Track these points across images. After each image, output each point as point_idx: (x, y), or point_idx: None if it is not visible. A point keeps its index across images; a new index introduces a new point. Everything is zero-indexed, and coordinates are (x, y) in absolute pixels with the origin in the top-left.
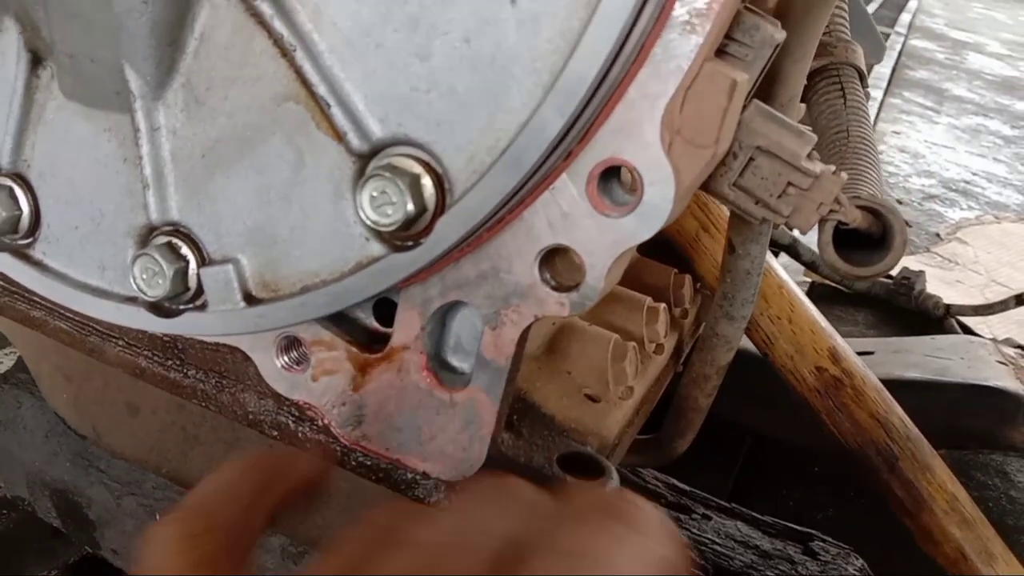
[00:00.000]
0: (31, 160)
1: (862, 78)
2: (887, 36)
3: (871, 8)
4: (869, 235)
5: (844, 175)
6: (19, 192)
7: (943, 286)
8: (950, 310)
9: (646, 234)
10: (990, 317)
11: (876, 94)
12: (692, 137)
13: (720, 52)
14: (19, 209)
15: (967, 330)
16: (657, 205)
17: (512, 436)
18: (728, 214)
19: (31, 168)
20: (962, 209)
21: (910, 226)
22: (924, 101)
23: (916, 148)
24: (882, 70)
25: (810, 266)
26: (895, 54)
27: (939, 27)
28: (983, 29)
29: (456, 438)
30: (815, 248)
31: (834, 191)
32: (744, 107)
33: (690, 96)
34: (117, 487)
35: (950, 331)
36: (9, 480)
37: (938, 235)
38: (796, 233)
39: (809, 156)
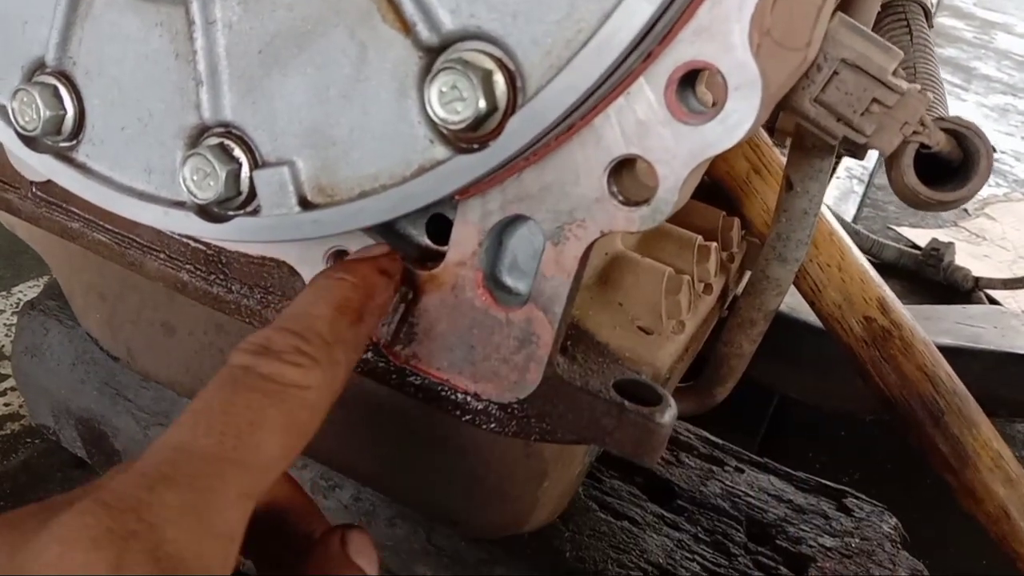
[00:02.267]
0: (77, 57)
1: (927, 15)
2: None
3: None
4: (944, 164)
5: (930, 94)
6: (63, 91)
7: (971, 260)
8: (979, 283)
9: (727, 143)
10: (1018, 291)
11: None
12: (782, 38)
13: None
14: (63, 109)
15: (995, 303)
16: (741, 112)
17: (567, 360)
18: (781, 158)
19: (77, 66)
20: (990, 186)
21: (995, 151)
22: (952, 79)
23: None
24: None
25: None
26: None
27: (967, 6)
28: (1012, 9)
29: (510, 358)
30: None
31: (920, 110)
32: (830, 18)
33: None
34: (145, 417)
35: (978, 303)
36: (34, 408)
37: (966, 210)
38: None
39: (895, 73)
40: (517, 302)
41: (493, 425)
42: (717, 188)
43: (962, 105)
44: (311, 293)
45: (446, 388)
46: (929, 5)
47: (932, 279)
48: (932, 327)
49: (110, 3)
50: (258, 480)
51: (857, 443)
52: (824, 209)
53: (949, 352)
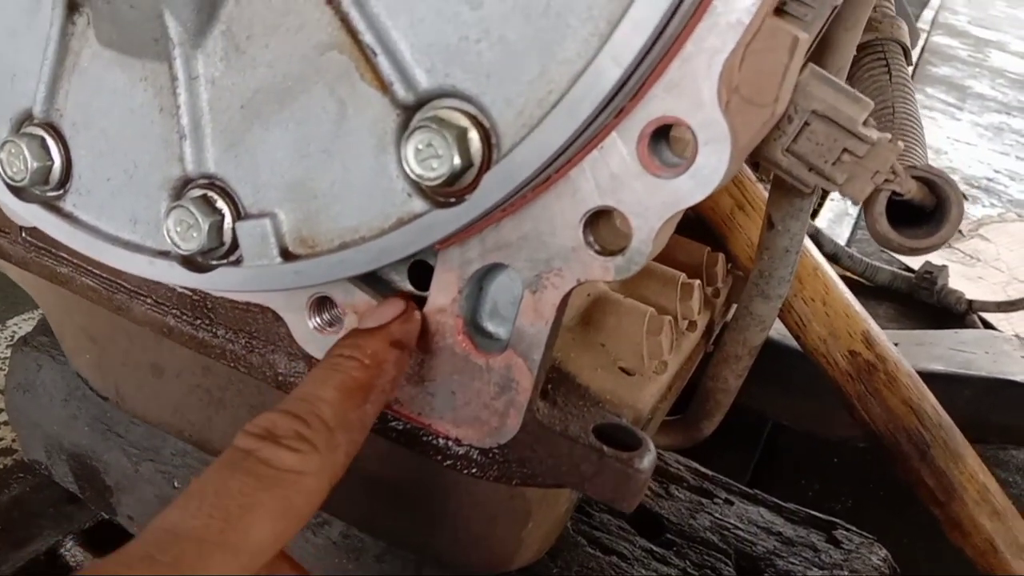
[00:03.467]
0: (64, 109)
1: (906, 54)
2: None
3: None
4: (918, 209)
5: (901, 144)
6: (51, 142)
7: (965, 282)
8: (972, 306)
9: (699, 195)
10: (1012, 314)
11: None
12: (751, 95)
13: (779, 10)
14: (50, 159)
15: (989, 326)
16: (711, 166)
17: (547, 405)
18: (764, 193)
19: (64, 118)
20: (984, 206)
21: (967, 199)
22: (946, 98)
23: (938, 144)
24: None
25: (832, 258)
26: (917, 51)
27: (962, 24)
28: (1007, 27)
29: (491, 404)
30: (836, 239)
31: (890, 159)
32: (800, 69)
33: (750, 52)
34: (136, 453)
35: (972, 327)
36: (27, 444)
37: (960, 231)
38: (818, 223)
39: (865, 123)
40: (497, 348)
41: (474, 470)
42: (702, 223)
43: (956, 124)
44: (319, 373)
45: (428, 433)
46: (908, 44)
47: (926, 302)
48: (924, 353)
49: (96, 57)
50: (245, 564)
51: (850, 470)
52: (808, 244)
53: (940, 378)
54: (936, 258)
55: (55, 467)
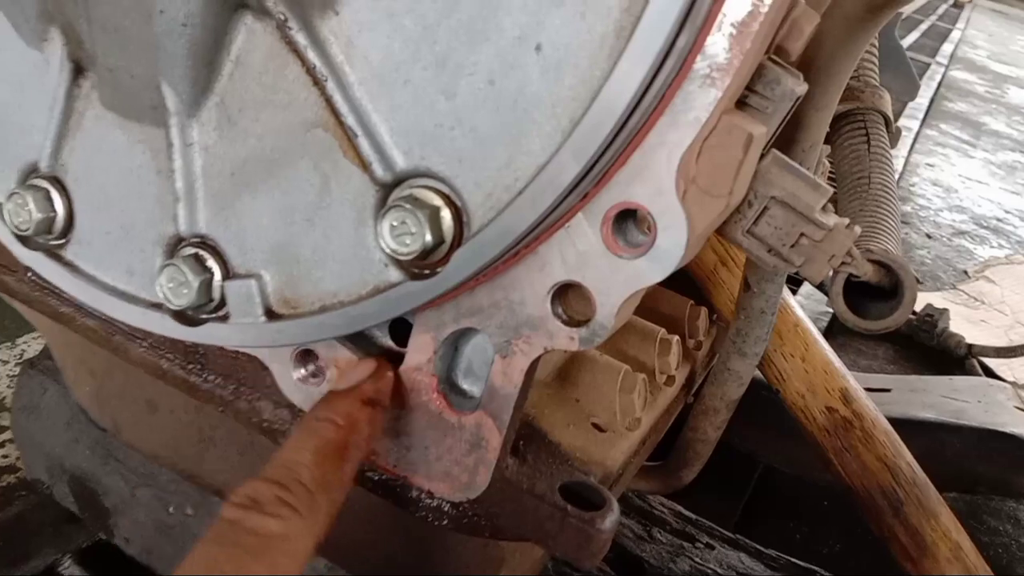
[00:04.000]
0: (68, 165)
1: (888, 124)
2: (927, 66)
3: (913, 36)
4: (881, 288)
5: (858, 229)
6: (55, 195)
7: (967, 324)
8: (972, 350)
9: (658, 276)
10: (1012, 360)
11: (912, 125)
12: (707, 186)
13: (740, 103)
14: (54, 211)
15: (988, 371)
16: (669, 250)
17: (517, 462)
18: None
19: (67, 173)
20: (992, 247)
21: (921, 283)
22: (961, 134)
23: (949, 182)
24: (920, 101)
25: None
26: (934, 85)
27: (981, 59)
28: None
29: (462, 460)
30: None
31: (847, 244)
32: (762, 156)
33: (707, 147)
34: (133, 478)
35: (971, 371)
36: (30, 463)
37: (966, 272)
38: None
39: (824, 208)
40: (471, 406)
41: (446, 522)
42: (686, 277)
43: (969, 162)
44: (296, 438)
45: (402, 485)
46: (889, 114)
47: (926, 344)
48: (916, 400)
49: (98, 118)
50: None
51: (840, 514)
52: (790, 300)
53: (930, 427)
54: (939, 300)
55: (56, 487)
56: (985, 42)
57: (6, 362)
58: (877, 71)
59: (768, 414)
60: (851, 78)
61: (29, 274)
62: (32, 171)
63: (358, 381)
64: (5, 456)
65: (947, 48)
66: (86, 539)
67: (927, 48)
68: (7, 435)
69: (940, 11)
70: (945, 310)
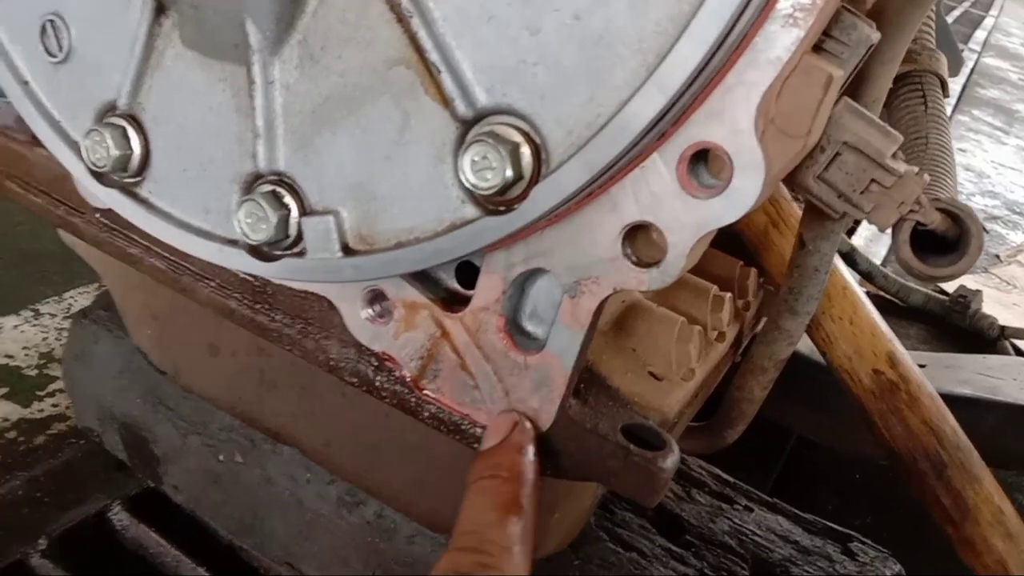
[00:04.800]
0: (146, 103)
1: (943, 86)
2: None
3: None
4: (943, 239)
5: (927, 176)
6: (132, 133)
7: (999, 308)
8: (1004, 332)
9: (731, 217)
10: None
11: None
12: (785, 127)
13: (817, 48)
14: (130, 149)
15: (1020, 353)
16: (745, 190)
17: (579, 403)
18: (798, 212)
19: (145, 111)
20: None
21: (987, 232)
22: (993, 121)
23: (981, 167)
24: (953, 87)
25: (866, 276)
26: (967, 71)
27: (1014, 47)
28: None
29: (526, 399)
30: (872, 258)
31: (916, 191)
32: (834, 103)
33: (787, 87)
34: (184, 426)
35: (1003, 353)
36: (81, 411)
37: (998, 257)
38: (854, 241)
39: (894, 156)
40: (535, 347)
41: None
42: (737, 238)
43: (1001, 149)
44: (473, 502)
45: (467, 422)
46: (946, 77)
47: (958, 325)
48: (951, 376)
49: (179, 57)
50: None
51: (870, 488)
52: (840, 264)
53: (965, 402)
54: (971, 282)
55: (106, 435)
56: (1018, 30)
57: (54, 315)
58: (934, 35)
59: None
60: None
61: (98, 214)
62: (110, 109)
63: (505, 434)
64: (55, 405)
65: (980, 35)
66: (135, 487)
67: (960, 35)
68: (57, 384)
69: None
70: (978, 291)
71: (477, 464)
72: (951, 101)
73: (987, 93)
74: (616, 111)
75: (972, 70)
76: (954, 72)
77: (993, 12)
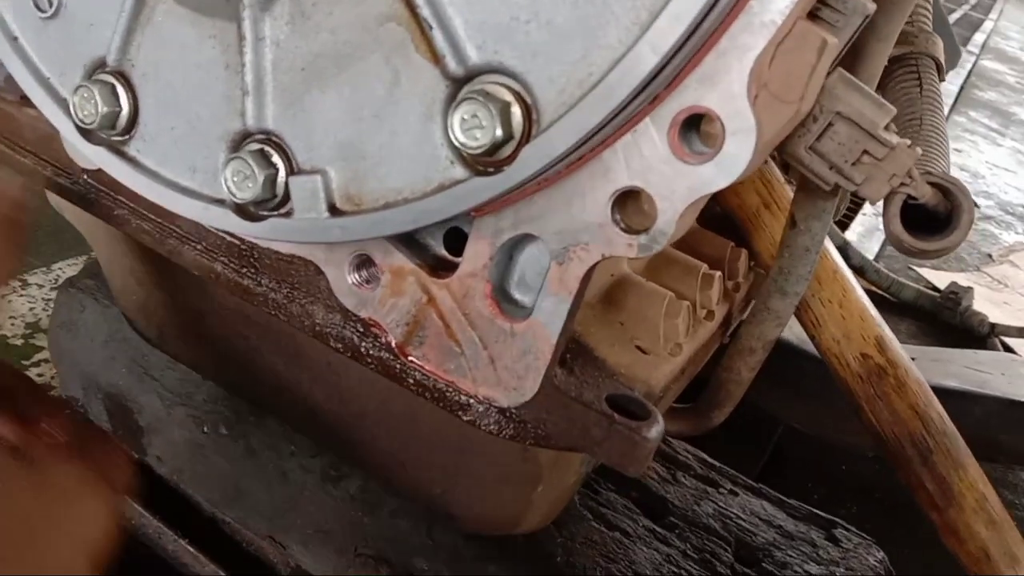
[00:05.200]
0: (135, 60)
1: (939, 70)
2: None
3: None
4: (934, 215)
5: (919, 149)
6: (120, 90)
7: (990, 306)
8: (995, 329)
9: (723, 182)
10: None
11: None
12: (778, 92)
13: (812, 15)
14: (119, 106)
15: (1009, 350)
16: (736, 155)
17: (564, 372)
18: (790, 194)
19: (135, 68)
20: (1017, 233)
21: (977, 207)
22: (989, 123)
23: (976, 168)
24: (949, 87)
25: (859, 271)
26: (964, 73)
27: (1013, 50)
28: None
29: (512, 366)
30: (864, 253)
31: (907, 164)
32: (828, 73)
33: (780, 52)
34: (169, 396)
35: (992, 350)
36: (65, 380)
37: (990, 256)
38: (847, 235)
39: (887, 128)
40: (522, 315)
41: (492, 427)
42: (728, 219)
43: (997, 150)
44: None
45: (452, 389)
46: (942, 60)
47: (948, 322)
48: (940, 369)
49: (169, 13)
50: None
51: (855, 478)
52: (830, 247)
53: (953, 395)
54: (963, 280)
55: (90, 404)
56: (1018, 34)
57: (41, 286)
58: (931, 18)
59: (791, 375)
60: (905, 23)
61: (85, 175)
62: (99, 66)
63: None
64: (40, 375)
65: (979, 38)
66: None
67: (959, 37)
68: (43, 355)
69: (973, 1)
70: (970, 288)
71: None
72: (948, 102)
73: (984, 95)
74: (608, 70)
75: (970, 72)
76: (951, 64)
77: (992, 15)
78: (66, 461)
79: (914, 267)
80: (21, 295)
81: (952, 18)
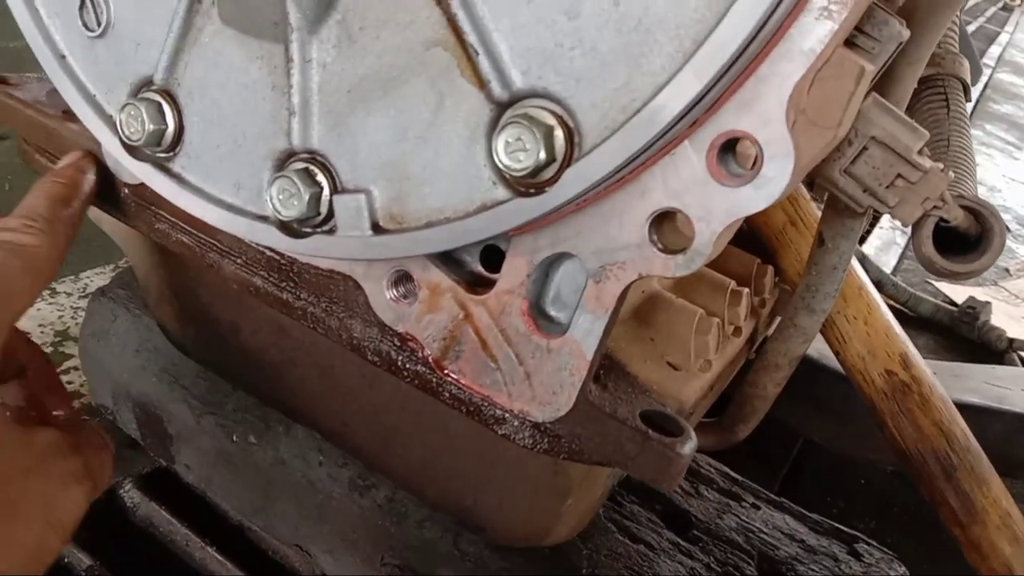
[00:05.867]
0: (182, 79)
1: (966, 91)
2: None
3: None
4: (963, 236)
5: (951, 173)
6: (166, 108)
7: (1008, 320)
8: (1013, 344)
9: (760, 205)
10: None
11: None
12: (816, 118)
13: (848, 42)
14: (165, 124)
15: None
16: (774, 179)
17: (599, 388)
18: (817, 211)
19: (181, 87)
20: None
21: (1010, 231)
22: (1006, 136)
23: (993, 182)
24: None
25: (876, 285)
26: (980, 86)
27: None
28: None
29: (547, 382)
30: (882, 266)
31: (940, 187)
32: (863, 98)
33: (819, 79)
34: (199, 406)
35: (1010, 365)
36: (96, 388)
37: (1007, 270)
38: (864, 249)
39: (920, 152)
40: (558, 331)
41: (527, 441)
42: (754, 236)
43: (1013, 163)
44: (35, 194)
45: (487, 403)
46: (968, 81)
47: (966, 336)
48: (959, 384)
49: (217, 34)
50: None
51: (875, 493)
52: (855, 264)
53: (973, 410)
54: (981, 294)
55: (120, 413)
56: None
57: (70, 294)
58: (957, 39)
59: (813, 390)
60: None
61: (126, 189)
62: (146, 84)
63: (74, 160)
64: (70, 382)
65: (995, 51)
66: (147, 465)
67: (975, 50)
68: (72, 362)
69: (989, 13)
70: (988, 303)
71: (47, 175)
72: None
73: (1000, 108)
74: (651, 96)
75: (986, 85)
76: (974, 81)
77: (1008, 28)
78: (56, 434)
79: (932, 281)
80: (50, 303)
81: (968, 31)
